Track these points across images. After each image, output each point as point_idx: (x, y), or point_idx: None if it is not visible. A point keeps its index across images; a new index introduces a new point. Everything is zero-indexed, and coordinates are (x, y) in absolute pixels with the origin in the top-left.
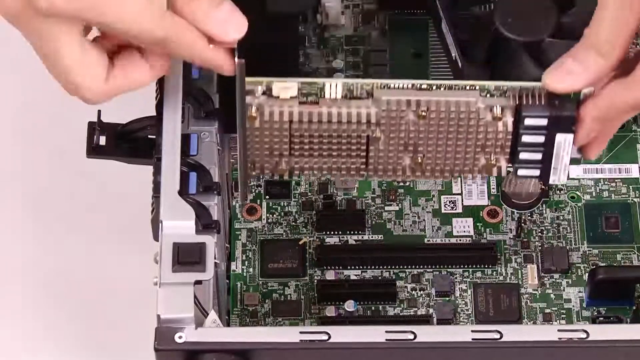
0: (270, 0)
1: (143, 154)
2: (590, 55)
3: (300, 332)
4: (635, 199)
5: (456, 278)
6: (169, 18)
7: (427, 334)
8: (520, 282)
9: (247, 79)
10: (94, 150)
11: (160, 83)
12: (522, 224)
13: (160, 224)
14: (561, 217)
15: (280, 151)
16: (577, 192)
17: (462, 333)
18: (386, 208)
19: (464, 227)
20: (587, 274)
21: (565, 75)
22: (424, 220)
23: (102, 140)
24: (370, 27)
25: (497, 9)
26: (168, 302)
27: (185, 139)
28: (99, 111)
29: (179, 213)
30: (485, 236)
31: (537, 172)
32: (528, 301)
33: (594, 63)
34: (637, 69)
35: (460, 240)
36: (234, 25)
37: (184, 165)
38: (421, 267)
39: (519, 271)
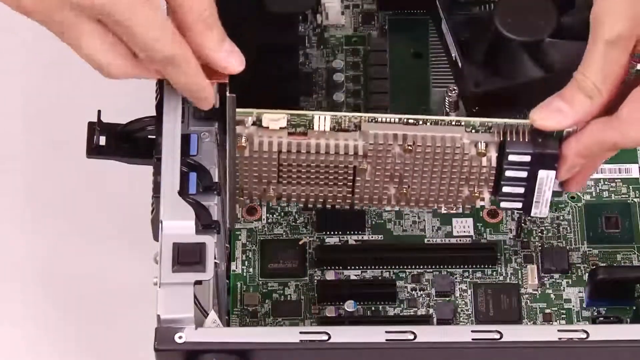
0: (270, 0)
1: (143, 154)
2: (578, 96)
3: (300, 332)
4: (635, 199)
5: (456, 278)
6: (180, 40)
7: (427, 334)
8: (520, 282)
9: (238, 110)
10: (94, 150)
11: (161, 83)
12: (522, 224)
13: (160, 224)
14: (561, 217)
15: (269, 179)
16: (577, 192)
17: (462, 333)
18: (386, 208)
19: (464, 227)
20: (587, 274)
21: (553, 113)
22: (424, 220)
23: (102, 140)
24: (370, 27)
25: (497, 9)
26: (168, 302)
27: (185, 139)
28: (99, 111)
29: (179, 213)
30: (485, 236)
31: (519, 205)
32: (528, 301)
33: (582, 104)
34: (622, 108)
35: (460, 240)
36: (239, 59)
37: (184, 165)
38: (421, 267)
39: (519, 271)
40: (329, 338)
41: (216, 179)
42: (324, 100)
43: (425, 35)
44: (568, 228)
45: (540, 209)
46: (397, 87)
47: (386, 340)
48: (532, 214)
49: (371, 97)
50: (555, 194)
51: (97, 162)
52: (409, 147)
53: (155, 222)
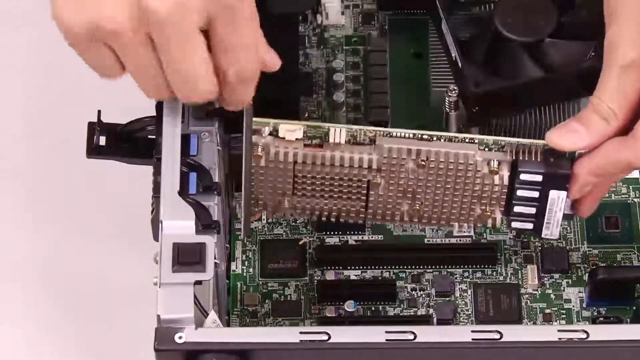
0: (270, 0)
1: (143, 154)
2: (594, 118)
3: (300, 332)
4: (635, 199)
5: (456, 278)
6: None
7: (427, 334)
8: (520, 282)
9: (255, 119)
10: (94, 150)
11: None
12: None
13: (160, 224)
14: None
15: (284, 190)
16: None
17: (462, 333)
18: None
19: (464, 227)
20: (587, 274)
21: (569, 133)
22: None
23: (102, 140)
24: (370, 27)
25: (497, 9)
26: (168, 302)
27: (185, 139)
28: (99, 111)
29: (179, 213)
30: (485, 236)
31: (530, 226)
32: (528, 301)
33: (598, 126)
34: (637, 127)
35: (460, 240)
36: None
37: (184, 165)
38: (421, 267)
39: (519, 271)
40: (329, 338)
41: (216, 179)
42: (324, 100)
43: (425, 35)
44: (568, 228)
45: (552, 230)
46: (397, 87)
47: (386, 340)
48: (543, 235)
49: (371, 97)
50: (565, 216)
51: (97, 162)
52: (423, 163)
53: (155, 222)
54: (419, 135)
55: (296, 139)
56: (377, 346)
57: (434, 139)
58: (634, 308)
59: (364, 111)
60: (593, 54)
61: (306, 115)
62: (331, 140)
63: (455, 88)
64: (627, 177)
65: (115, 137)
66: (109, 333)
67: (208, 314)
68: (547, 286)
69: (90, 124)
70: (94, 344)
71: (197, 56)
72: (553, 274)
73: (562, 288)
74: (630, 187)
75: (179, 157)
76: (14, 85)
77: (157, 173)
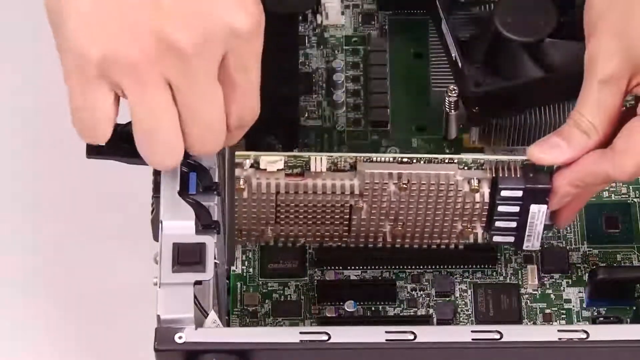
0: (270, 0)
1: None
2: (575, 133)
3: (300, 332)
4: (635, 199)
5: (456, 278)
6: None
7: (427, 334)
8: (520, 283)
9: (237, 153)
10: (94, 150)
11: None
12: None
13: (160, 224)
14: None
15: (267, 220)
16: None
17: (462, 333)
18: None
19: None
20: (587, 274)
21: (550, 148)
22: None
23: None
24: (370, 27)
25: (497, 9)
26: (168, 302)
27: None
28: None
29: (179, 213)
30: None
31: (511, 239)
32: (528, 301)
33: (579, 140)
34: (616, 141)
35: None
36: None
37: (184, 165)
38: (421, 267)
39: (519, 271)
40: (329, 338)
41: (216, 179)
42: (324, 100)
43: (425, 35)
44: (568, 228)
45: (532, 242)
46: (397, 87)
47: (386, 340)
48: (524, 247)
49: (371, 97)
50: (546, 227)
51: (97, 162)
52: (404, 185)
53: (155, 222)
54: (399, 159)
55: (277, 169)
56: (377, 346)
57: (414, 161)
58: (634, 308)
59: (364, 111)
60: None
61: (306, 115)
62: (312, 169)
63: (455, 88)
64: None
65: (115, 137)
66: (109, 333)
67: (208, 314)
68: (547, 286)
69: None
70: (94, 344)
71: (219, 99)
72: (553, 274)
73: (562, 288)
74: (630, 187)
75: None
76: (15, 84)
77: (157, 173)
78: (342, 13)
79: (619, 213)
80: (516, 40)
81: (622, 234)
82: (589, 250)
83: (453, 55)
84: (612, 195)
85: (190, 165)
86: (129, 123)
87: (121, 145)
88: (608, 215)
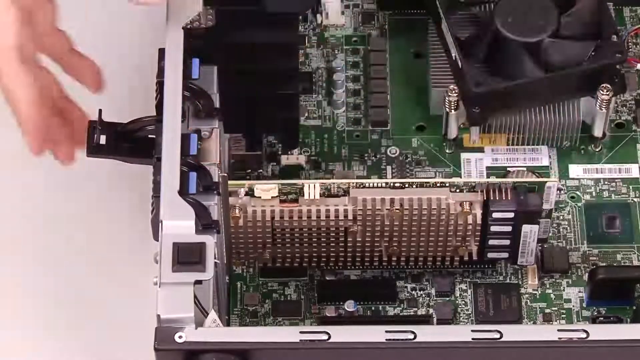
0: (270, 0)
1: (143, 154)
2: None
3: (300, 332)
4: (635, 199)
5: (456, 278)
6: None
7: (427, 334)
8: (520, 282)
9: (231, 182)
10: (94, 150)
11: (160, 83)
12: None
13: (160, 224)
14: (561, 217)
15: (264, 243)
16: (577, 192)
17: (462, 333)
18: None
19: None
20: (587, 274)
21: None
22: None
23: (102, 140)
24: (370, 27)
25: (497, 9)
26: (168, 302)
27: (185, 139)
28: (100, 110)
29: (179, 213)
30: None
31: (505, 255)
32: (528, 301)
33: None
34: None
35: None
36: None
37: (184, 165)
38: (421, 267)
39: (519, 271)
40: (329, 338)
41: (216, 179)
42: (324, 100)
43: (425, 35)
44: (568, 228)
45: (527, 258)
46: (397, 87)
47: (386, 340)
48: (519, 263)
49: (371, 96)
50: (540, 240)
51: (97, 162)
52: (397, 210)
53: (155, 222)
54: (391, 184)
55: (272, 197)
56: (377, 346)
57: (406, 186)
58: (634, 308)
59: (364, 111)
60: (593, 54)
61: (306, 115)
62: (306, 196)
63: (455, 88)
64: (627, 177)
65: (116, 137)
66: (109, 333)
67: (208, 314)
68: (547, 286)
69: (91, 123)
70: (94, 344)
71: None
72: (553, 274)
73: (562, 288)
74: (631, 187)
75: (178, 157)
76: None
77: (157, 173)
78: (342, 13)
79: (619, 213)
80: (516, 40)
81: (622, 234)
82: (589, 250)
83: (453, 55)
84: (612, 195)
85: (190, 165)
86: (129, 122)
87: (121, 144)
88: (608, 215)
